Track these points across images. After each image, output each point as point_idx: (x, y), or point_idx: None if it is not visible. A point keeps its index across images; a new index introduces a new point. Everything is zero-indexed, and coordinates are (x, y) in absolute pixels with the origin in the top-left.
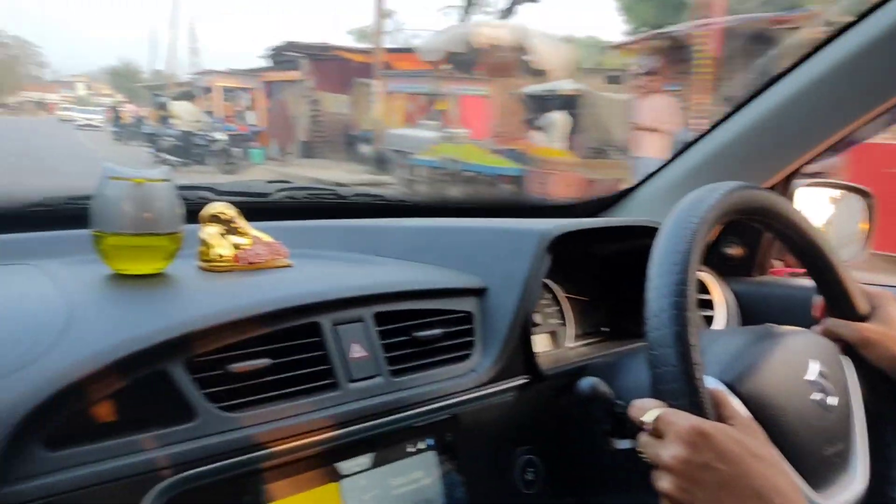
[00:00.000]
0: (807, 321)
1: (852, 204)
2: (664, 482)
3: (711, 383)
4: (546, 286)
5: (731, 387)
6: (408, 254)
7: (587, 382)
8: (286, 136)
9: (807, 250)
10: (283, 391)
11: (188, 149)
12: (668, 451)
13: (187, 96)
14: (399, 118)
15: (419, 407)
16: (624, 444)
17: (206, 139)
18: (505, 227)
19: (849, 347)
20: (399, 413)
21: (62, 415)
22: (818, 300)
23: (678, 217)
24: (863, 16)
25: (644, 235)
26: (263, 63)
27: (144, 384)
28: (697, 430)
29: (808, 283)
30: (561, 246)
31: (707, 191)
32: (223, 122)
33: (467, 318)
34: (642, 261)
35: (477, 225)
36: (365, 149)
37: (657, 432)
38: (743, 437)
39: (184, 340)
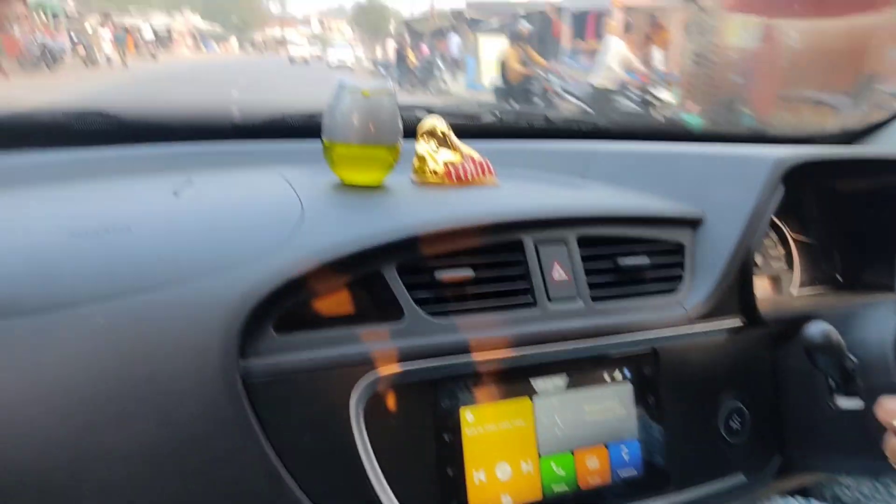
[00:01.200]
0: None
1: None
2: None
3: None
4: (772, 224)
5: None
6: (617, 178)
7: (818, 328)
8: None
9: None
10: (484, 304)
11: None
12: None
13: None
14: None
15: (618, 336)
16: (850, 403)
17: (639, 98)
18: (730, 153)
19: None
20: (597, 339)
21: (291, 302)
22: None
23: None
24: None
25: None
26: None
27: (361, 282)
28: None
29: None
30: (797, 178)
31: None
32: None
33: (678, 249)
34: None
35: (696, 150)
36: None
37: None
38: None
39: (398, 246)
